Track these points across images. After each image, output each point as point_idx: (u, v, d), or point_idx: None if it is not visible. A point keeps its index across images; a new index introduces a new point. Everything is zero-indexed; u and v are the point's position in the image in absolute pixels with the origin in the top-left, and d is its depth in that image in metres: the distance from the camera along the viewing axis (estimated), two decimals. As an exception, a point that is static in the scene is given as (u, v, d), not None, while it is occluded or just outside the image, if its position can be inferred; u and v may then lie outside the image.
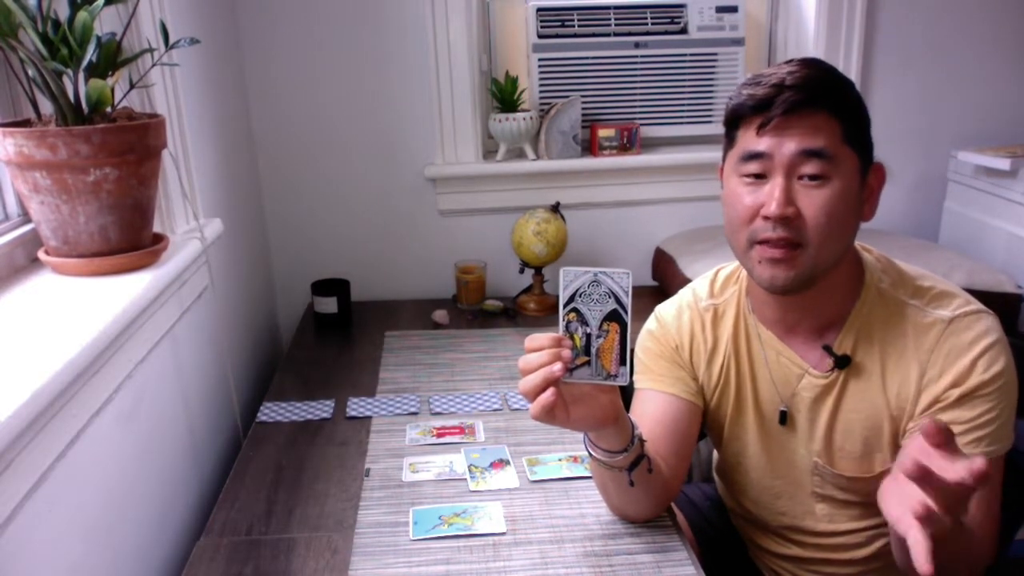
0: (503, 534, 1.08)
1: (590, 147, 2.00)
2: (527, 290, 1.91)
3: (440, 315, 1.83)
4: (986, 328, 0.95)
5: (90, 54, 0.98)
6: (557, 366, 0.85)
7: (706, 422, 1.14)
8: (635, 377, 1.12)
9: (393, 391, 1.51)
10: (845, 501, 1.06)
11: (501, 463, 1.25)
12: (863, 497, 1.04)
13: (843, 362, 1.00)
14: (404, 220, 2.00)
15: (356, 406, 1.45)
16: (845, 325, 1.00)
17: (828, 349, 1.01)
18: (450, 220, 2.01)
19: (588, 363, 0.88)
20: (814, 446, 1.04)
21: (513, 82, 1.90)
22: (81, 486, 0.91)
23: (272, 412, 1.44)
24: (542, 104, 1.98)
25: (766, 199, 0.93)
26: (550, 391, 0.85)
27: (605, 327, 0.87)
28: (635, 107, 2.03)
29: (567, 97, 1.94)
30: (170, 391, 1.24)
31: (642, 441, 0.98)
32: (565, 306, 0.87)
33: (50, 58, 0.94)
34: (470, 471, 1.22)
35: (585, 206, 2.01)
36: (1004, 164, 1.79)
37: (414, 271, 2.03)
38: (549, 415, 0.86)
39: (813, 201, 0.92)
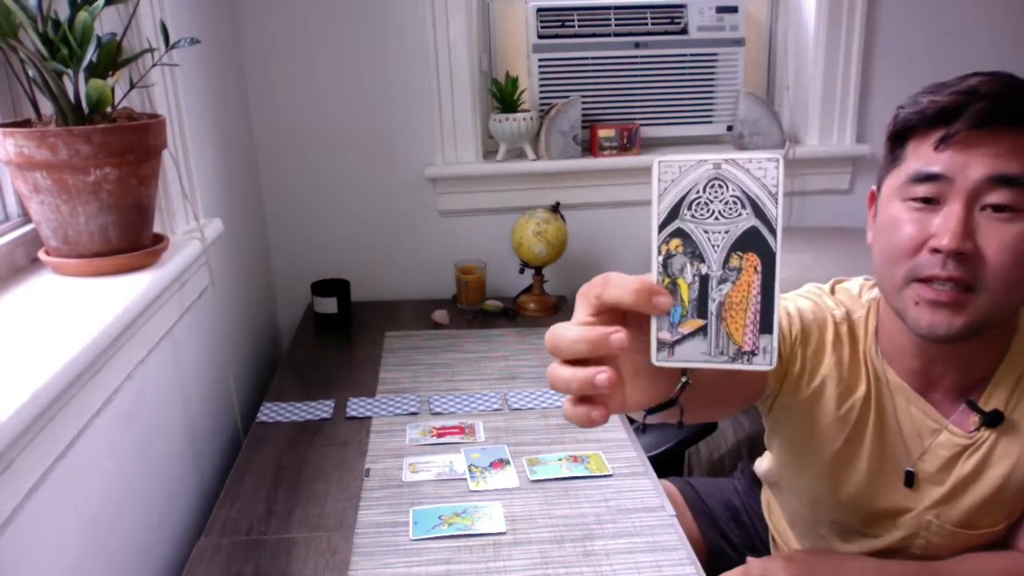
0: (503, 534, 1.08)
1: (590, 147, 2.00)
2: (527, 290, 1.91)
3: (440, 315, 1.83)
4: None
5: (90, 54, 0.98)
6: (604, 376, 0.49)
7: (790, 444, 1.00)
8: None
9: (393, 391, 1.51)
10: (939, 558, 0.96)
11: (501, 463, 1.25)
12: (959, 553, 0.94)
13: (994, 420, 0.86)
14: (404, 220, 2.00)
15: (356, 406, 1.45)
16: (994, 378, 0.88)
17: (973, 405, 0.87)
18: (450, 220, 2.01)
19: (703, 329, 0.50)
20: (933, 505, 0.92)
21: (513, 82, 1.90)
22: (81, 486, 0.91)
23: (272, 412, 1.43)
24: (542, 104, 1.98)
25: (938, 229, 0.77)
26: (598, 412, 0.51)
27: (735, 263, 0.49)
28: (635, 107, 2.03)
29: (567, 97, 1.94)
30: (170, 391, 1.24)
31: (686, 386, 0.57)
32: (663, 226, 0.50)
33: (50, 58, 0.94)
34: (470, 471, 1.22)
35: (585, 206, 2.01)
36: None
37: (414, 271, 2.03)
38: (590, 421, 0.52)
39: (999, 237, 0.76)
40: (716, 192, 0.49)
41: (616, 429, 1.34)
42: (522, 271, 1.89)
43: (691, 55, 1.99)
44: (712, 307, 0.49)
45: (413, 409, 1.43)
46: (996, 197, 0.76)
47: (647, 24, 1.97)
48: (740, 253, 0.49)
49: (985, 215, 0.77)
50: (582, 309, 0.51)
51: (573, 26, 1.94)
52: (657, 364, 0.50)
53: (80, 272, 1.02)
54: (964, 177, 0.77)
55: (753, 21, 2.07)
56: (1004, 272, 0.77)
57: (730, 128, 2.05)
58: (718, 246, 0.49)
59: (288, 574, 1.01)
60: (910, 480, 0.92)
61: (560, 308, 1.90)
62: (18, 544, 0.77)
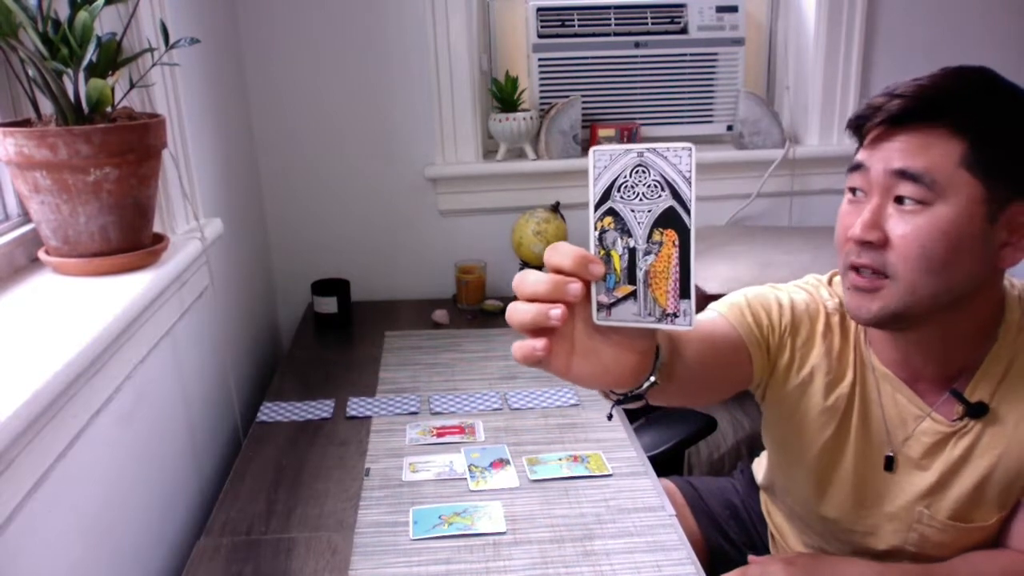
0: (503, 534, 1.07)
1: (590, 147, 2.00)
2: (527, 290, 1.91)
3: (440, 315, 1.83)
4: None
5: (90, 54, 0.98)
6: (557, 310, 0.56)
7: (783, 435, 1.02)
8: (715, 303, 0.98)
9: (393, 391, 1.51)
10: (936, 557, 0.96)
11: (501, 463, 1.24)
12: (957, 552, 0.95)
13: (978, 411, 0.89)
14: (404, 220, 2.00)
15: (356, 406, 1.45)
16: (980, 370, 0.90)
17: (957, 395, 0.90)
18: (450, 220, 2.01)
19: (633, 294, 0.57)
20: (922, 494, 0.94)
21: (513, 82, 1.90)
22: (81, 486, 0.91)
23: (272, 412, 1.43)
24: (542, 104, 1.98)
25: (856, 220, 0.83)
26: (541, 343, 0.57)
27: (657, 237, 0.57)
28: (635, 107, 2.03)
29: (567, 97, 1.94)
30: (170, 391, 1.24)
31: (654, 385, 0.67)
32: (598, 206, 0.59)
33: (50, 58, 0.94)
34: (470, 471, 1.22)
35: (585, 206, 1.99)
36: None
37: (414, 271, 2.03)
38: (536, 366, 0.59)
39: (903, 228, 0.80)
40: (640, 177, 0.57)
41: (616, 429, 1.34)
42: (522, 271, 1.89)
43: (691, 55, 1.99)
44: (640, 275, 0.57)
45: (413, 409, 1.43)
46: (903, 190, 0.81)
47: (647, 24, 1.96)
48: (661, 229, 0.56)
49: (896, 207, 0.82)
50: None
51: (573, 26, 1.94)
52: (598, 323, 0.58)
53: (80, 272, 1.02)
54: (876, 170, 0.82)
55: (753, 21, 2.07)
56: (911, 261, 0.80)
57: (730, 128, 2.06)
58: (642, 223, 0.57)
59: (288, 574, 1.01)
60: (889, 464, 0.94)
61: (560, 308, 1.90)
62: (18, 544, 0.77)
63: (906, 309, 0.83)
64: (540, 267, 2.04)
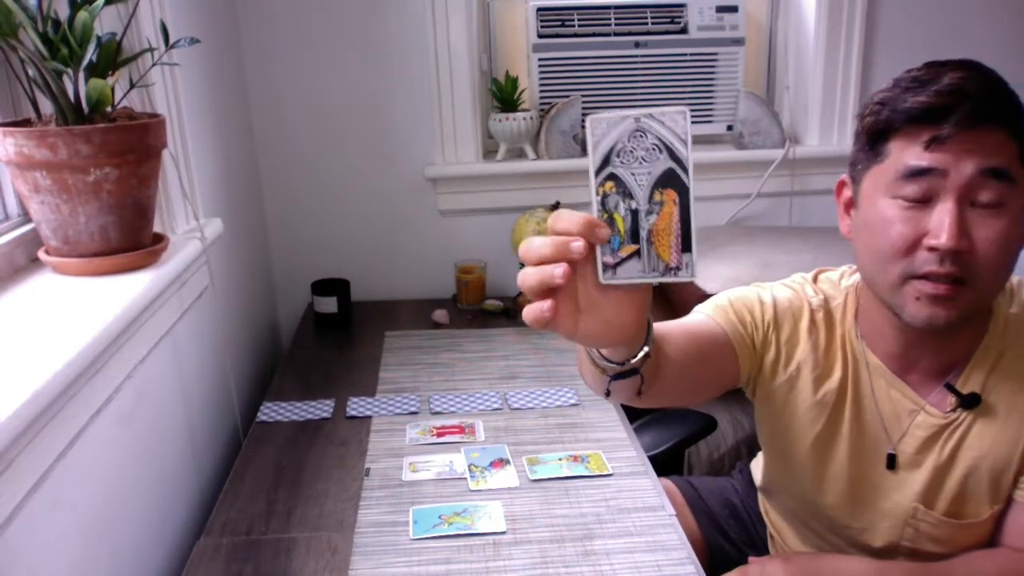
0: (503, 533, 1.08)
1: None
2: (527, 290, 1.91)
3: (440, 315, 1.83)
4: None
5: (90, 54, 0.98)
6: (559, 269, 0.58)
7: (775, 431, 1.03)
8: (700, 305, 0.99)
9: (393, 391, 1.51)
10: (932, 553, 0.97)
11: (501, 462, 1.25)
12: (953, 548, 0.95)
13: (971, 402, 0.90)
14: (404, 220, 2.00)
15: (356, 406, 1.45)
16: (971, 362, 0.91)
17: (951, 388, 0.90)
18: (450, 220, 2.01)
19: (637, 252, 0.60)
20: (916, 490, 0.95)
21: (513, 82, 1.90)
22: (81, 486, 0.91)
23: (272, 412, 1.44)
24: (542, 104, 1.98)
25: (934, 228, 0.80)
26: (548, 304, 0.60)
27: (658, 197, 0.60)
28: (635, 107, 2.02)
29: (567, 97, 1.94)
30: (170, 391, 1.24)
31: (647, 356, 0.72)
32: (598, 172, 0.61)
33: (50, 58, 0.94)
34: (470, 470, 1.22)
35: (585, 206, 1.98)
36: (1004, 164, 1.79)
37: (414, 271, 2.03)
38: (545, 327, 0.62)
39: (989, 232, 0.79)
40: (638, 141, 0.60)
41: (616, 429, 1.34)
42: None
43: (691, 55, 1.99)
44: (643, 234, 0.60)
45: (413, 409, 1.43)
46: (986, 193, 0.79)
47: (647, 24, 1.97)
48: (661, 189, 0.59)
49: (975, 211, 0.80)
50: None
51: (573, 26, 1.94)
52: (604, 283, 0.60)
53: (80, 272, 1.02)
54: (956, 174, 0.79)
55: (753, 21, 2.07)
56: (993, 265, 0.80)
57: (730, 128, 2.06)
58: (643, 185, 0.60)
59: (288, 574, 1.01)
60: (892, 463, 0.94)
61: (560, 308, 1.90)
62: (18, 544, 0.77)
63: (974, 311, 0.84)
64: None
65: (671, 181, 0.59)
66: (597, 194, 0.62)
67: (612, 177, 0.61)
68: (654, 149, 0.60)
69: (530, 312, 0.60)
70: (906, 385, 0.94)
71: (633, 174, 0.60)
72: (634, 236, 0.60)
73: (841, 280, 1.00)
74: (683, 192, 0.59)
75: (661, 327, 0.85)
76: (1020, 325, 0.90)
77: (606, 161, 0.61)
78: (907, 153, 0.82)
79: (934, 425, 0.93)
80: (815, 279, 1.03)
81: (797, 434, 1.00)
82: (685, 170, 0.59)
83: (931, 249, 0.80)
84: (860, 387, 0.96)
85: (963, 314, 0.83)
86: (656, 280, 0.60)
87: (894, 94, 0.84)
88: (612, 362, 0.72)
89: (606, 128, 0.60)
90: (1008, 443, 0.90)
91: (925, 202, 0.81)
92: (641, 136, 0.60)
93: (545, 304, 0.60)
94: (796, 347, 0.97)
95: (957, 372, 0.92)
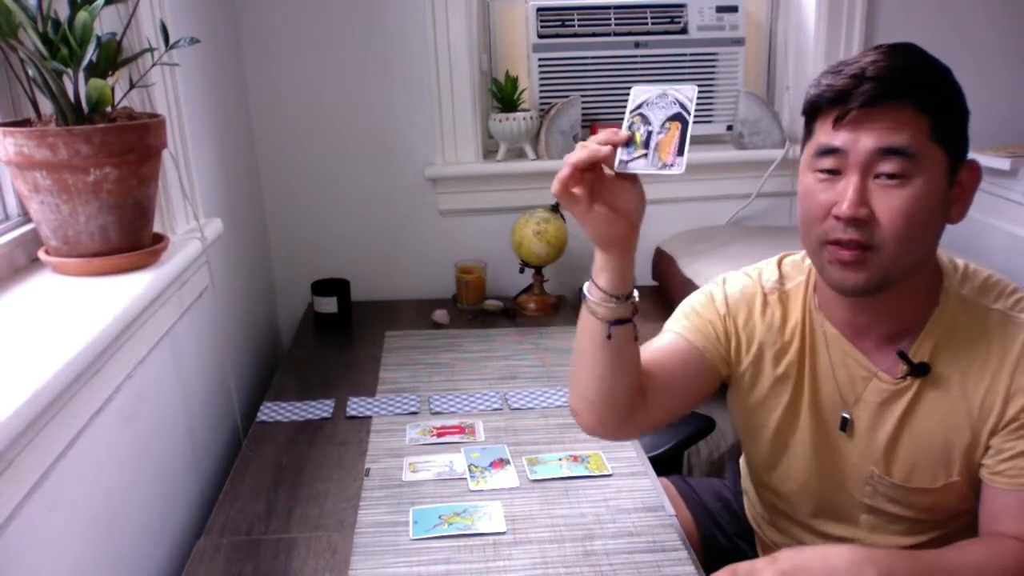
0: (503, 533, 1.08)
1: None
2: (527, 290, 1.91)
3: (440, 315, 1.83)
4: None
5: (90, 54, 0.98)
6: (606, 148, 0.84)
7: (745, 413, 1.09)
8: (668, 323, 1.09)
9: (393, 391, 1.51)
10: (895, 515, 1.01)
11: (501, 463, 1.25)
12: (916, 512, 1.00)
13: (921, 370, 0.94)
14: (404, 220, 2.00)
15: (356, 406, 1.45)
16: (922, 332, 0.95)
17: (903, 355, 0.95)
18: (450, 220, 2.01)
19: (646, 155, 0.85)
20: (872, 454, 0.99)
21: (513, 82, 1.90)
22: (81, 486, 0.91)
23: (272, 412, 1.44)
24: (542, 104, 1.98)
25: (838, 197, 0.88)
26: (575, 176, 0.85)
27: (667, 125, 0.86)
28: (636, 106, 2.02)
29: (567, 97, 1.94)
30: (170, 391, 1.24)
31: (635, 305, 0.94)
32: (632, 111, 0.88)
33: (50, 58, 0.94)
34: (470, 471, 1.22)
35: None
36: (1004, 164, 1.79)
37: (414, 271, 2.03)
38: (569, 196, 0.86)
39: (890, 202, 0.86)
40: (661, 100, 0.87)
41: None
42: (522, 271, 1.89)
43: (691, 55, 1.99)
44: (652, 145, 0.86)
45: (413, 409, 1.43)
46: (886, 167, 0.86)
47: (647, 24, 1.97)
48: (669, 123, 0.86)
49: (878, 182, 0.87)
50: (567, 166, 0.86)
51: (573, 26, 1.94)
52: (617, 170, 0.87)
53: (80, 272, 1.02)
54: (857, 151, 0.87)
55: (753, 21, 2.07)
56: (897, 233, 0.87)
57: (730, 128, 2.06)
58: (658, 118, 0.87)
59: (288, 574, 1.01)
60: (844, 425, 1.00)
61: (560, 308, 1.90)
62: (18, 543, 0.77)
63: (890, 276, 0.90)
64: (540, 267, 2.03)
65: (677, 118, 0.86)
66: (629, 120, 0.87)
67: (639, 113, 0.87)
68: (671, 103, 0.87)
69: (558, 181, 0.86)
70: (860, 353, 0.99)
71: (653, 113, 0.87)
72: (645, 146, 0.86)
73: (804, 260, 1.06)
74: (684, 124, 0.86)
75: (645, 360, 1.00)
76: (974, 308, 0.95)
77: (638, 106, 0.88)
78: (822, 132, 0.91)
79: (885, 391, 0.97)
80: (779, 263, 1.09)
81: (765, 410, 1.05)
82: (689, 113, 0.86)
83: (837, 218, 0.88)
84: (817, 356, 1.02)
85: (874, 278, 0.89)
86: (655, 171, 0.85)
87: (820, 79, 0.91)
88: (608, 295, 0.93)
89: (641, 92, 0.88)
90: (958, 418, 0.94)
91: (838, 175, 0.89)
92: (664, 96, 0.87)
93: (576, 188, 0.86)
94: (754, 330, 1.04)
95: (909, 341, 0.96)
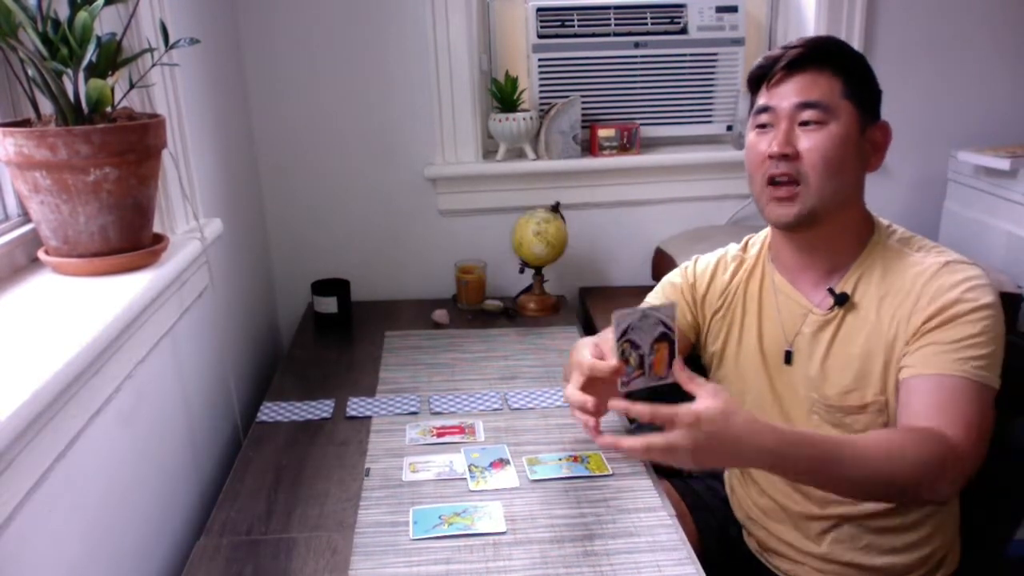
0: (503, 534, 1.08)
1: (590, 147, 2.00)
2: (527, 290, 1.91)
3: (440, 315, 1.83)
4: (978, 273, 1.05)
5: (90, 54, 0.98)
6: (591, 422, 1.09)
7: (714, 371, 1.25)
8: (647, 297, 1.30)
9: (393, 391, 1.51)
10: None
11: (501, 463, 1.25)
12: (850, 433, 1.08)
13: (841, 299, 1.11)
14: (404, 220, 2.00)
15: (356, 406, 1.45)
16: (849, 271, 1.12)
17: (831, 291, 1.12)
18: (450, 220, 2.01)
19: (644, 375, 1.01)
20: (811, 382, 1.13)
21: (513, 82, 1.90)
22: (81, 486, 0.91)
23: (272, 412, 1.44)
24: (542, 104, 1.98)
25: (771, 142, 1.08)
26: (589, 417, 1.09)
27: (655, 348, 1.00)
28: (635, 107, 2.03)
29: (567, 97, 1.94)
30: (170, 391, 1.24)
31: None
32: (619, 339, 0.99)
33: (50, 58, 0.94)
34: (470, 471, 1.22)
35: (585, 206, 2.01)
36: (1004, 164, 1.79)
37: (414, 271, 2.03)
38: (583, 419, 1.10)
39: (810, 143, 1.06)
40: (645, 323, 0.99)
41: (616, 429, 1.34)
42: (522, 271, 1.89)
43: (691, 55, 1.99)
44: (646, 365, 1.01)
45: (413, 409, 1.43)
46: (806, 115, 1.07)
47: (647, 24, 1.97)
48: (656, 345, 1.00)
49: (801, 129, 1.07)
50: (576, 376, 1.10)
51: (573, 26, 1.94)
52: (622, 391, 1.01)
53: (80, 272, 1.02)
54: (782, 106, 1.08)
55: (753, 21, 2.07)
56: (818, 166, 1.06)
57: (730, 128, 2.06)
58: (646, 342, 1.00)
59: (288, 574, 1.01)
60: (788, 358, 1.16)
61: (560, 308, 1.90)
62: (18, 543, 0.77)
63: (817, 208, 1.07)
64: (540, 267, 2.03)
65: (663, 338, 1.00)
66: (619, 349, 1.00)
67: (628, 339, 0.99)
68: (655, 324, 1.00)
69: (578, 416, 1.12)
70: (800, 293, 1.16)
71: (640, 337, 0.99)
72: (640, 367, 1.01)
73: (763, 234, 1.25)
74: (671, 345, 1.00)
75: None
76: (896, 253, 1.10)
77: (624, 332, 0.99)
78: (760, 96, 1.12)
79: (816, 322, 1.13)
80: (746, 242, 1.28)
81: (728, 356, 1.24)
82: (672, 331, 1.00)
83: (770, 157, 1.08)
84: (765, 300, 1.20)
85: (804, 210, 1.07)
86: (654, 384, 1.01)
87: (760, 58, 1.12)
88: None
89: (621, 318, 0.98)
90: (876, 339, 1.08)
91: (771, 128, 1.09)
92: (646, 318, 0.99)
93: (590, 422, 1.10)
94: (719, 289, 1.25)
95: (838, 278, 1.13)
